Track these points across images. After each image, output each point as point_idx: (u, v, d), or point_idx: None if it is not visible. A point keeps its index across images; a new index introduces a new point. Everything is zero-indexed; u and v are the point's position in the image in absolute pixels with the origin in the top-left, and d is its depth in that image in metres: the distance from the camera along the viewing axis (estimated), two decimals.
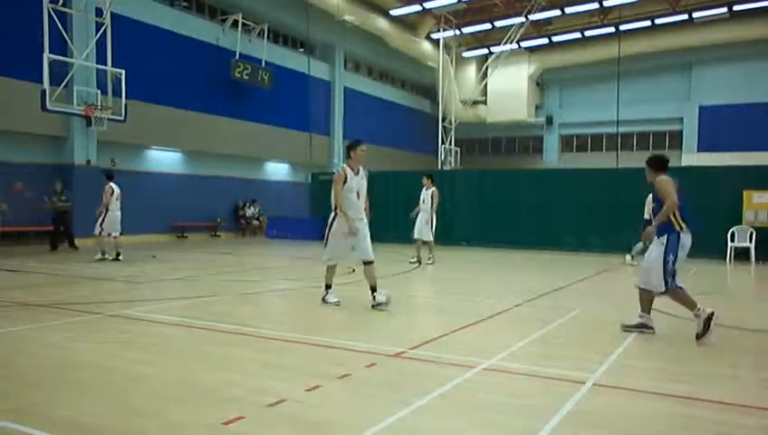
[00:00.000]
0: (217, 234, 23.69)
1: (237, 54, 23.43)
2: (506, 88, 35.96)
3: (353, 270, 11.77)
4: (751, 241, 14.83)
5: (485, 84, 36.07)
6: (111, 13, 16.81)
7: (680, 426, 3.54)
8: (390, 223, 20.75)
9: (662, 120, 34.79)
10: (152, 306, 7.48)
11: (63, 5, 15.87)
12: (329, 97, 29.84)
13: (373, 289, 7.37)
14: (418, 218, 13.22)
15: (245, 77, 23.61)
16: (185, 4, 23.00)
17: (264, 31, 24.48)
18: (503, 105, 36.53)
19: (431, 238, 13.11)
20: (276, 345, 5.55)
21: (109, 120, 17.12)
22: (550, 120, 38.25)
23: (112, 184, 13.11)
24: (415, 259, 13.28)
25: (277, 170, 27.74)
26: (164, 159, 22.21)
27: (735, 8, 28.88)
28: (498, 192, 19.13)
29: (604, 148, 36.27)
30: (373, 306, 7.23)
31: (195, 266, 12.30)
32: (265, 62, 24.61)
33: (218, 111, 23.19)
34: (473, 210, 19.34)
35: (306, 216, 23.25)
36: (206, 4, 23.67)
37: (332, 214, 7.41)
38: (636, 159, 31.25)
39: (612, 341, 5.68)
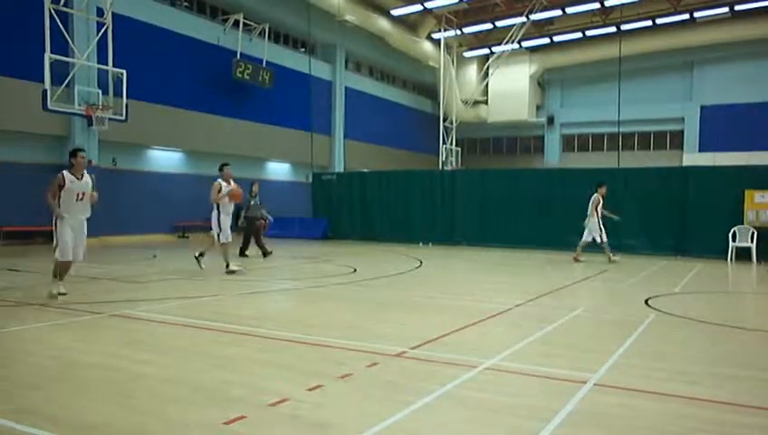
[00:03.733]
0: None
1: (238, 54, 23.44)
2: (507, 88, 35.98)
3: (355, 270, 11.78)
4: (752, 241, 14.85)
5: (486, 84, 36.08)
6: (112, 13, 16.82)
7: (681, 426, 3.53)
8: (389, 222, 20.82)
9: (663, 119, 34.78)
10: (153, 306, 7.49)
11: (65, 5, 15.87)
12: (330, 97, 29.83)
13: None
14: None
15: (246, 77, 23.61)
16: (186, 4, 23.00)
17: (265, 31, 24.50)
18: (504, 105, 36.56)
19: (584, 239, 14.24)
20: (277, 345, 5.55)
21: (110, 119, 17.14)
22: (551, 120, 38.25)
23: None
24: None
25: (278, 170, 27.72)
26: (165, 159, 22.22)
27: (737, 8, 28.87)
28: (500, 192, 19.11)
29: (605, 147, 36.27)
30: None
31: (196, 266, 12.30)
32: (266, 61, 24.61)
33: (219, 110, 23.19)
34: (474, 210, 19.32)
35: (307, 215, 23.23)
36: (207, 4, 23.68)
37: None
38: (637, 159, 31.53)
39: (614, 341, 5.66)
